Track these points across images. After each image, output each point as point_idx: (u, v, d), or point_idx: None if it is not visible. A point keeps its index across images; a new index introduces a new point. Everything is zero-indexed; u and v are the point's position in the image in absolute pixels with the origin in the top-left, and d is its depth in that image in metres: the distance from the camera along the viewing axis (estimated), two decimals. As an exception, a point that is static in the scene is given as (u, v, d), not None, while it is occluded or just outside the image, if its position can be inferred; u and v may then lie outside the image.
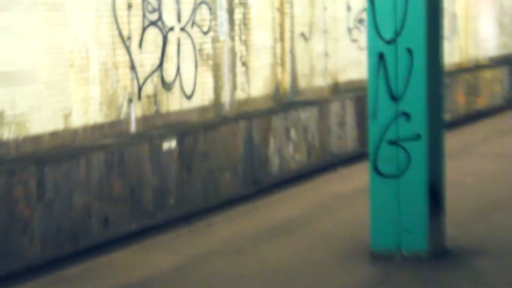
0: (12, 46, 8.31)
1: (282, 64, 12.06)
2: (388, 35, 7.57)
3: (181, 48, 10.51)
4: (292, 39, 12.30)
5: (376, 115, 7.59)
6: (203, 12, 11.00)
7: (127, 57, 9.54)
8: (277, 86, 11.95)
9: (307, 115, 12.35)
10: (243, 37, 11.31)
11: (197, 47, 10.62)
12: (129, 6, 9.61)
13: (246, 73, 11.34)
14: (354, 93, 13.25)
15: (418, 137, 7.45)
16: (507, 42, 18.83)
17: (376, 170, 7.64)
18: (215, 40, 10.87)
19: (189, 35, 10.58)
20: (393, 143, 7.53)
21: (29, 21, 8.49)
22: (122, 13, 9.66)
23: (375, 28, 7.61)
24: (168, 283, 7.43)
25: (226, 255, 8.18)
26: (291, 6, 12.29)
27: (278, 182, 11.31)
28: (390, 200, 7.64)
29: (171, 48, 10.36)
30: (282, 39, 12.07)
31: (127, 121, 9.19)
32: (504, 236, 8.33)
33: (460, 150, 10.63)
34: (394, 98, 7.55)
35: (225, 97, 10.86)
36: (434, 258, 7.49)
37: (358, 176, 10.01)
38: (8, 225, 7.76)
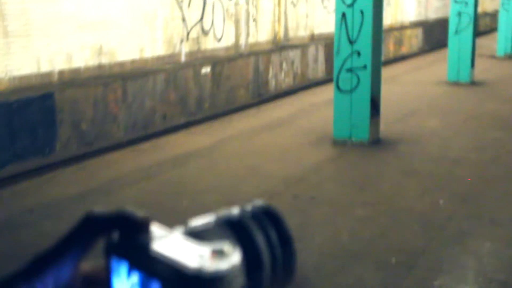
0: (108, 5, 8.26)
1: (279, 21, 12.27)
2: (348, 1, 7.77)
3: (215, 8, 10.42)
4: (285, 5, 12.46)
5: (339, 52, 7.99)
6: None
7: (180, 13, 9.42)
8: (275, 35, 12.21)
9: (294, 54, 12.64)
10: (254, 3, 11.51)
11: (225, 8, 10.72)
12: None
13: (255, 26, 11.62)
14: (324, 41, 13.55)
15: (364, 66, 7.81)
16: (421, 12, 19.15)
17: (338, 87, 7.96)
18: (236, 4, 11.02)
19: (220, 0, 10.61)
20: (349, 70, 7.88)
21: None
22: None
23: None
24: (203, 155, 7.68)
25: (241, 139, 8.47)
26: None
27: (274, 96, 11.62)
28: (345, 106, 7.92)
29: (208, 8, 10.20)
30: (279, 5, 12.24)
31: (179, 54, 9.50)
32: (414, 132, 8.62)
33: (389, 79, 10.71)
34: (350, 42, 7.86)
35: (242, 41, 11.12)
36: (372, 144, 7.85)
37: (326, 93, 10.04)
38: (104, 118, 8.15)
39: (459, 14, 12.64)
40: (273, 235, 0.63)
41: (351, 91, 7.92)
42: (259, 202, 0.66)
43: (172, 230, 0.62)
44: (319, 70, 13.51)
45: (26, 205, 5.90)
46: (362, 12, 7.79)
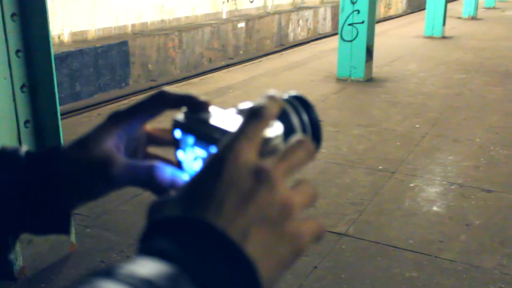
0: None
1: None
2: None
3: None
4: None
5: (343, 10, 7.79)
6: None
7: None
8: (294, 0, 12.09)
9: (308, 13, 12.51)
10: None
11: None
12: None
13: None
14: (331, 3, 13.36)
15: (362, 22, 7.68)
16: None
17: (341, 38, 7.83)
18: None
19: None
20: (350, 24, 7.73)
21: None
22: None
23: None
24: (239, 87, 7.61)
25: (267, 76, 8.39)
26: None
27: (292, 45, 11.62)
28: (347, 53, 7.83)
29: None
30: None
31: (221, 12, 9.48)
32: (398, 73, 8.52)
33: (380, 33, 10.58)
34: (352, 2, 7.69)
35: (268, 3, 11.07)
36: (366, 81, 7.79)
37: (332, 43, 10.06)
38: (165, 60, 8.17)
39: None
40: (304, 115, 0.62)
41: (352, 41, 7.80)
42: (293, 91, 0.64)
43: (227, 110, 0.60)
44: (327, 26, 13.38)
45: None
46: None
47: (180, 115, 0.62)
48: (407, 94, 7.28)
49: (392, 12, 17.55)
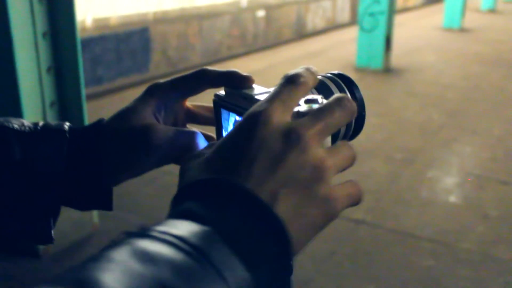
0: None
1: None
2: None
3: None
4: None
5: (363, 0, 7.72)
6: None
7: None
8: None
9: (326, 3, 12.42)
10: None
11: None
12: None
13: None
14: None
15: (382, 12, 7.57)
16: None
17: (362, 28, 7.76)
18: None
19: None
20: (371, 14, 7.64)
21: None
22: None
23: None
24: (258, 75, 7.45)
25: (286, 64, 8.10)
26: None
27: (312, 33, 11.58)
28: (366, 42, 7.75)
29: None
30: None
31: (241, 1, 9.48)
32: (417, 64, 8.41)
33: (399, 24, 10.43)
34: (372, -7, 7.70)
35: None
36: (385, 71, 7.71)
37: (350, 33, 10.01)
38: (185, 47, 8.17)
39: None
40: (347, 92, 0.61)
41: (371, 30, 7.73)
42: (335, 71, 0.64)
43: (270, 88, 0.58)
44: (345, 16, 13.28)
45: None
46: (382, -29, 7.58)
47: (222, 92, 0.62)
48: (425, 85, 7.21)
49: (410, 3, 17.39)
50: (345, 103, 0.50)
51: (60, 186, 0.63)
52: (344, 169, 0.50)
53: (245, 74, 0.62)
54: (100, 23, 6.77)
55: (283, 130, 0.47)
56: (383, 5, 7.65)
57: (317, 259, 3.01)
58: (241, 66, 8.16)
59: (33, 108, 2.91)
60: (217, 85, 0.63)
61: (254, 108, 0.49)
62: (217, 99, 0.62)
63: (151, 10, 7.61)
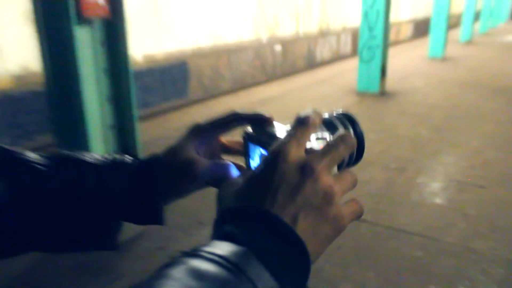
0: (220, 9, 8.13)
1: (323, 18, 12.03)
2: (369, 4, 7.45)
3: (284, 9, 10.11)
4: (326, 8, 12.07)
5: (362, 36, 7.66)
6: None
7: (262, 12, 9.18)
8: (320, 27, 11.99)
9: (332, 38, 12.34)
10: (308, 7, 11.21)
11: (290, 9, 10.51)
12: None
13: (308, 21, 11.40)
14: (351, 30, 13.16)
15: (378, 46, 7.53)
16: (412, 14, 18.26)
17: (361, 59, 7.70)
18: (297, 7, 10.77)
19: (287, 4, 10.50)
20: (368, 48, 7.59)
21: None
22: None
23: (365, 2, 7.50)
24: (277, 99, 7.52)
25: (300, 90, 8.17)
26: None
27: (319, 64, 11.52)
28: (365, 71, 7.70)
29: (280, 9, 9.88)
30: (322, 8, 11.81)
31: (262, 37, 9.44)
32: (407, 88, 8.28)
33: (392, 54, 10.45)
34: (370, 29, 7.55)
35: (300, 30, 10.97)
36: (381, 95, 7.63)
37: (352, 63, 9.98)
38: (216, 76, 8.13)
39: (438, 14, 12.31)
40: (350, 128, 0.61)
41: (369, 61, 7.69)
42: (339, 109, 0.64)
43: (287, 125, 0.60)
44: (348, 49, 13.20)
45: (173, 127, 6.00)
46: (377, 12, 7.52)
47: (249, 129, 0.63)
48: (415, 105, 7.11)
49: (401, 37, 17.25)
50: (347, 139, 0.53)
51: (123, 207, 0.66)
52: (348, 191, 0.52)
53: (267, 115, 0.63)
54: (148, 58, 6.85)
55: (299, 164, 0.49)
56: (379, 40, 7.60)
57: (326, 253, 2.98)
58: (262, 92, 8.18)
59: (97, 130, 2.96)
60: (245, 124, 0.65)
61: (275, 146, 0.51)
62: (246, 135, 0.63)
63: (189, 47, 7.67)
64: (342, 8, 12.86)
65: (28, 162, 0.64)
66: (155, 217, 0.67)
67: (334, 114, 0.64)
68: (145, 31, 6.71)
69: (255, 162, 0.61)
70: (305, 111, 0.56)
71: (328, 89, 8.31)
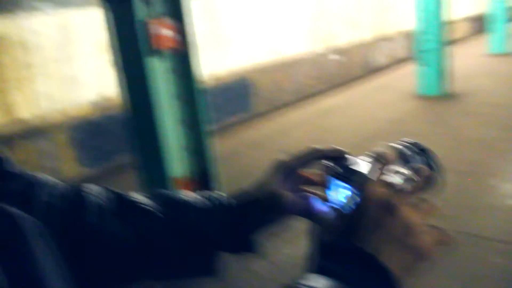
0: (277, 24, 8.16)
1: (377, 23, 11.78)
2: (422, 7, 7.40)
3: (337, 19, 10.22)
4: (380, 13, 11.89)
5: (418, 39, 7.41)
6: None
7: (317, 24, 9.15)
8: (375, 33, 11.72)
9: (387, 43, 12.09)
10: (360, 14, 11.09)
11: (344, 18, 10.52)
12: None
13: (363, 28, 11.22)
14: (405, 34, 12.83)
15: (435, 48, 7.25)
16: (467, 10, 17.59)
17: (418, 62, 7.46)
18: (351, 15, 10.78)
19: (340, 13, 10.41)
20: (425, 51, 7.32)
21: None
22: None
23: (418, 6, 7.26)
24: (338, 108, 7.39)
25: (359, 98, 7.96)
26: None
27: (376, 70, 11.29)
28: (424, 75, 7.43)
29: (333, 20, 10.12)
30: (377, 13, 11.61)
31: (318, 49, 9.42)
32: (470, 88, 7.87)
33: (452, 53, 10.10)
34: (425, 32, 7.22)
35: (355, 38, 10.78)
36: (442, 97, 7.33)
37: (409, 66, 9.81)
38: (277, 88, 8.16)
39: (495, 7, 11.79)
40: (425, 161, 0.64)
41: (427, 64, 7.41)
42: (409, 139, 0.67)
43: (360, 157, 0.64)
44: (403, 53, 12.90)
45: (239, 141, 6.10)
46: (432, 14, 7.21)
47: (328, 163, 0.67)
48: (479, 105, 6.77)
49: (457, 36, 16.62)
50: (425, 174, 0.58)
51: (220, 239, 0.72)
52: (427, 221, 0.55)
53: (341, 150, 0.67)
54: (212, 76, 6.99)
55: (382, 202, 0.54)
56: (435, 42, 7.32)
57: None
58: (323, 102, 8.12)
59: (174, 151, 3.06)
60: (324, 159, 0.69)
61: (359, 185, 0.56)
62: (325, 168, 0.67)
63: (250, 63, 7.77)
64: (396, 12, 12.55)
65: (141, 205, 0.71)
66: (249, 247, 0.72)
67: (406, 144, 0.66)
68: (208, 51, 6.86)
69: (335, 194, 0.64)
70: (381, 148, 0.61)
71: (387, 95, 8.11)
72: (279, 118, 7.37)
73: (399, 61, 12.37)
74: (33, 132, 4.91)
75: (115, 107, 5.55)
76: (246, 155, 5.45)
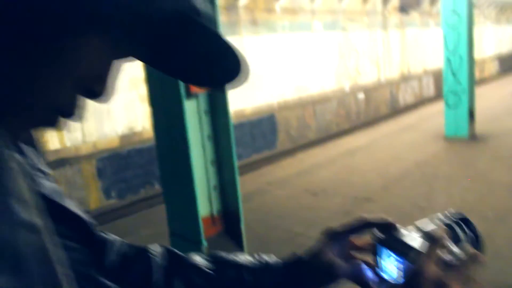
0: (302, 65, 8.31)
1: (403, 63, 11.86)
2: (451, 49, 7.34)
3: (364, 59, 10.33)
4: (407, 53, 12.02)
5: (446, 81, 7.43)
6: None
7: (343, 63, 9.28)
8: (401, 72, 11.81)
9: (413, 82, 12.15)
10: (387, 53, 11.24)
11: (370, 58, 10.70)
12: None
13: (389, 67, 11.32)
14: (432, 72, 12.85)
15: (464, 90, 7.25)
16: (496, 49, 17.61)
17: (447, 104, 7.46)
18: (377, 55, 10.95)
19: (367, 54, 10.62)
20: (453, 92, 7.34)
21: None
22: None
23: (447, 48, 7.35)
24: (363, 148, 7.39)
25: (385, 138, 7.98)
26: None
27: (403, 109, 11.29)
28: (452, 116, 7.43)
29: (360, 59, 10.24)
30: (403, 53, 11.71)
31: (344, 87, 9.50)
32: (501, 129, 7.79)
33: (478, 94, 10.02)
34: (453, 74, 7.30)
35: (381, 78, 10.89)
36: (471, 139, 7.32)
37: (436, 106, 9.68)
38: (303, 126, 8.31)
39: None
40: (468, 232, 0.67)
41: (455, 106, 7.43)
42: (452, 210, 0.70)
43: (408, 229, 0.66)
44: (430, 91, 12.89)
45: (264, 179, 6.10)
46: (461, 56, 7.29)
47: (377, 232, 0.69)
48: (509, 148, 6.67)
49: (486, 75, 16.53)
50: (477, 260, 0.60)
51: None
52: None
53: (390, 220, 0.69)
54: (238, 113, 7.09)
55: (435, 280, 0.57)
56: (464, 84, 7.34)
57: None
58: (349, 141, 8.09)
59: (202, 191, 3.12)
60: (373, 228, 0.71)
61: (413, 262, 0.60)
62: (375, 238, 0.69)
63: (276, 100, 7.87)
64: (422, 51, 12.64)
65: (197, 266, 0.75)
66: None
67: (450, 216, 0.69)
68: (237, 91, 7.00)
69: (386, 264, 0.67)
70: (430, 221, 0.65)
71: (414, 136, 8.07)
72: (304, 156, 7.37)
73: (426, 100, 12.34)
74: (62, 162, 5.05)
75: (143, 141, 5.68)
76: (271, 193, 5.46)
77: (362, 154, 7.18)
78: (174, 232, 3.23)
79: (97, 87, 0.43)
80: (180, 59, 0.51)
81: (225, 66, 0.51)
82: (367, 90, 10.13)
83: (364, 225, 0.72)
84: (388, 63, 11.11)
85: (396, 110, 11.07)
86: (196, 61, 0.51)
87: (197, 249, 2.99)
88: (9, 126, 0.38)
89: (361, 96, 9.79)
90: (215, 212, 3.25)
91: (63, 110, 0.41)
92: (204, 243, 3.03)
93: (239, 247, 3.29)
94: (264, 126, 7.55)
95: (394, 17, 11.11)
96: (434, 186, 5.24)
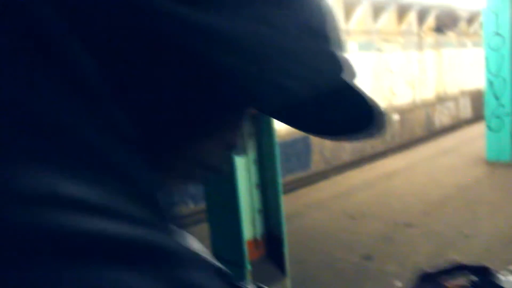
0: None
1: (439, 83, 11.75)
2: (493, 72, 7.21)
3: (399, 80, 10.42)
4: (442, 73, 11.91)
5: (489, 105, 7.31)
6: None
7: (379, 84, 9.28)
8: (437, 93, 11.71)
9: (450, 103, 11.97)
10: (423, 74, 11.19)
11: (405, 79, 10.69)
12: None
13: (425, 88, 11.22)
14: (469, 93, 12.69)
15: (507, 114, 7.12)
16: None
17: (489, 128, 7.32)
18: (412, 76, 10.87)
19: (401, 74, 10.59)
20: (496, 116, 7.23)
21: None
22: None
23: (489, 71, 7.24)
24: (401, 172, 7.29)
25: (424, 162, 7.84)
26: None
27: (439, 131, 11.14)
28: (494, 140, 7.29)
29: (395, 80, 10.29)
30: (439, 74, 11.59)
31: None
32: None
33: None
34: (496, 98, 7.19)
35: (416, 100, 10.80)
36: (514, 163, 7.15)
37: (475, 130, 9.52)
38: (337, 147, 8.18)
39: None
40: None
41: (498, 130, 7.29)
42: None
43: (503, 273, 0.65)
44: (468, 112, 12.69)
45: (301, 201, 6.07)
46: (504, 79, 7.15)
47: (474, 278, 0.68)
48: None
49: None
50: None
51: None
52: None
53: (490, 268, 0.68)
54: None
55: None
56: (508, 108, 7.20)
57: None
58: (385, 164, 8.00)
59: (247, 214, 3.18)
60: (470, 273, 0.70)
61: None
62: (468, 280, 0.68)
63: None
64: (459, 71, 12.52)
65: None
66: None
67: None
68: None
69: None
70: None
71: (454, 160, 7.90)
72: (339, 178, 7.33)
73: (463, 122, 12.14)
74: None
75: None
76: (309, 216, 5.43)
77: (400, 177, 7.07)
78: (217, 254, 3.26)
79: (236, 142, 0.44)
80: (318, 117, 0.48)
81: (356, 115, 0.47)
82: (402, 112, 10.06)
83: (457, 268, 0.71)
84: (424, 84, 11.03)
85: (432, 132, 10.93)
86: (333, 117, 0.48)
87: (241, 272, 3.00)
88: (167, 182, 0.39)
89: (396, 117, 9.71)
90: (258, 236, 3.28)
91: (214, 168, 0.43)
92: (248, 267, 3.05)
93: (281, 272, 3.29)
94: (298, 146, 7.56)
95: (430, 38, 11.04)
96: (478, 212, 5.13)
